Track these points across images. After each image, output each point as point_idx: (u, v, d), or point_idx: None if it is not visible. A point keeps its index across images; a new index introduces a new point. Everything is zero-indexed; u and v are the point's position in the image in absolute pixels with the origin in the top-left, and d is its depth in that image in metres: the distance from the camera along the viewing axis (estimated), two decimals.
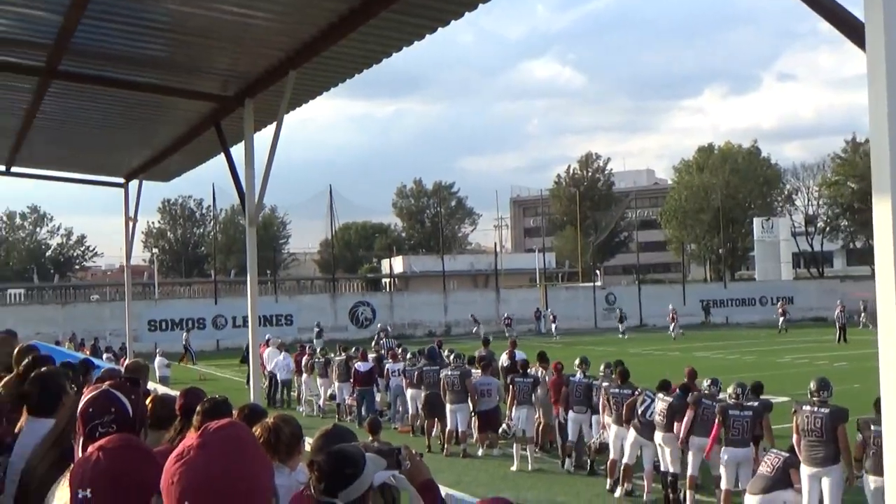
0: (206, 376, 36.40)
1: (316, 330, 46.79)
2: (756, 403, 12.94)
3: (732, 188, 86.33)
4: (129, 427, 3.29)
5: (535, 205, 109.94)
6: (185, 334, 47.84)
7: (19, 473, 4.51)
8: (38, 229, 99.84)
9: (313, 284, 75.82)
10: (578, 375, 16.45)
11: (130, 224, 15.03)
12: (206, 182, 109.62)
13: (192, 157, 13.19)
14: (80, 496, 2.48)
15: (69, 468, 3.35)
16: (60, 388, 5.16)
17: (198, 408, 5.46)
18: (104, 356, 33.71)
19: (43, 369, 6.02)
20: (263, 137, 9.63)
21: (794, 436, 11.36)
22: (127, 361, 24.68)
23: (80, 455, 3.23)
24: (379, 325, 48.31)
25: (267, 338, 30.37)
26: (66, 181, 16.10)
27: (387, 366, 22.54)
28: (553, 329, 55.78)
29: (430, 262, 77.31)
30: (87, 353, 36.16)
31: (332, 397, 24.28)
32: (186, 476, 1.83)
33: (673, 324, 51.83)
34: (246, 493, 1.85)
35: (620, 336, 52.34)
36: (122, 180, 15.20)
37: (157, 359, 30.80)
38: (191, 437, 1.90)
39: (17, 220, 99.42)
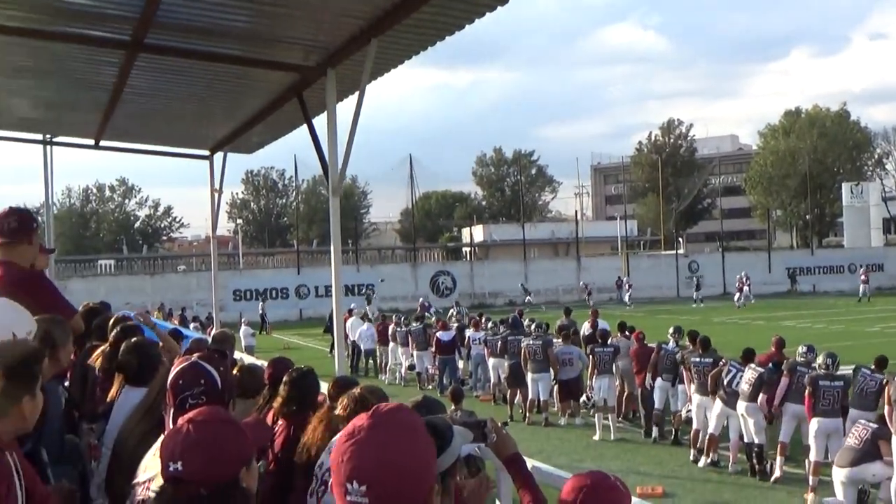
0: (290, 345, 36.97)
1: (367, 294, 47.07)
2: (880, 376, 12.59)
3: (820, 153, 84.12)
4: (219, 398, 3.33)
5: (616, 172, 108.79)
6: (261, 304, 48.44)
7: (114, 441, 4.61)
8: (126, 201, 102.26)
9: (394, 254, 76.16)
10: (671, 344, 16.33)
11: (216, 196, 15.23)
12: (288, 153, 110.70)
13: (275, 128, 13.28)
14: (171, 469, 2.51)
15: (159, 439, 3.41)
16: (156, 357, 5.27)
17: (284, 378, 5.53)
18: (191, 325, 34.34)
19: (136, 339, 6.13)
20: (345, 108, 9.64)
21: (887, 407, 11.08)
22: (214, 331, 25.24)
23: (171, 426, 3.27)
24: (421, 300, 48.26)
25: (351, 307, 30.62)
26: (152, 154, 16.39)
27: (468, 334, 22.57)
28: (626, 298, 54.95)
29: (510, 230, 77.00)
30: (176, 322, 37.02)
31: (412, 367, 24.45)
32: (357, 455, 1.89)
33: (739, 293, 50.72)
34: (413, 476, 1.91)
35: (695, 304, 51.53)
36: (206, 153, 15.40)
37: (243, 328, 31.30)
38: (361, 418, 1.96)
39: (107, 192, 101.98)
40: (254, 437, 2.78)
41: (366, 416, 1.94)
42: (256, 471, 2.73)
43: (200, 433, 2.53)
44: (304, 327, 46.60)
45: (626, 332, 18.43)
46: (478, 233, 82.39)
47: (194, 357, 3.46)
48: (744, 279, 52.11)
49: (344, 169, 8.68)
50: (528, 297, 53.99)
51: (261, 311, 46.57)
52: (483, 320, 23.85)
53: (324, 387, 6.17)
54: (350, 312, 28.90)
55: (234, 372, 6.03)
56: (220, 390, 3.40)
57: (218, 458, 2.51)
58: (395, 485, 1.87)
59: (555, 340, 19.05)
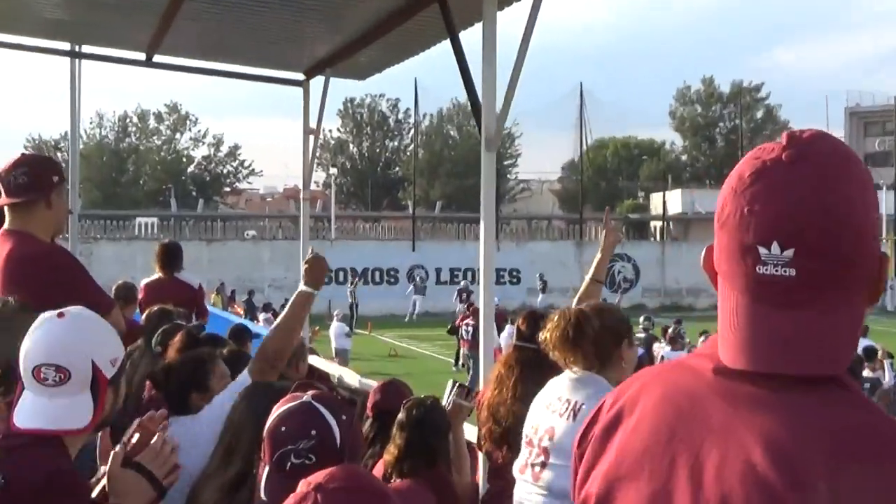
0: (398, 350, 37.16)
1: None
2: None
3: None
4: (334, 459, 3.26)
5: (882, 118, 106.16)
6: (350, 287, 48.68)
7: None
8: (177, 135, 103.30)
9: (550, 226, 75.97)
10: None
11: (311, 139, 15.18)
12: (405, 76, 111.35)
13: (401, 45, 13.14)
14: None
15: None
16: (195, 382, 5.27)
17: (400, 416, 5.44)
18: (261, 316, 34.79)
19: (189, 353, 6.15)
20: (504, 19, 9.42)
21: None
22: None
23: (263, 493, 3.24)
24: (462, 284, 47.70)
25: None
26: (225, 76, 16.52)
27: (661, 353, 22.37)
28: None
29: None
30: (240, 311, 37.69)
31: None
32: (777, 203, 1.73)
33: None
34: (863, 232, 1.75)
35: None
36: (300, 76, 15.43)
37: (334, 324, 31.40)
38: (768, 149, 1.79)
39: (152, 123, 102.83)
40: None
41: (778, 146, 1.77)
42: None
43: None
44: (417, 326, 46.95)
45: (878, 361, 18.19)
46: (675, 200, 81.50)
47: (307, 396, 3.38)
48: None
49: (505, 111, 8.45)
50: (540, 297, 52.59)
51: (350, 300, 47.07)
52: (680, 331, 23.58)
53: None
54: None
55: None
56: (338, 448, 3.32)
57: None
58: (842, 248, 1.71)
59: None
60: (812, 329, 1.69)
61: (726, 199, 1.79)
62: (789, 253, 1.69)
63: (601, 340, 4.72)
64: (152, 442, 3.33)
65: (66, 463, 3.38)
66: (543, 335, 4.91)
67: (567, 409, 4.63)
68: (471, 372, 25.75)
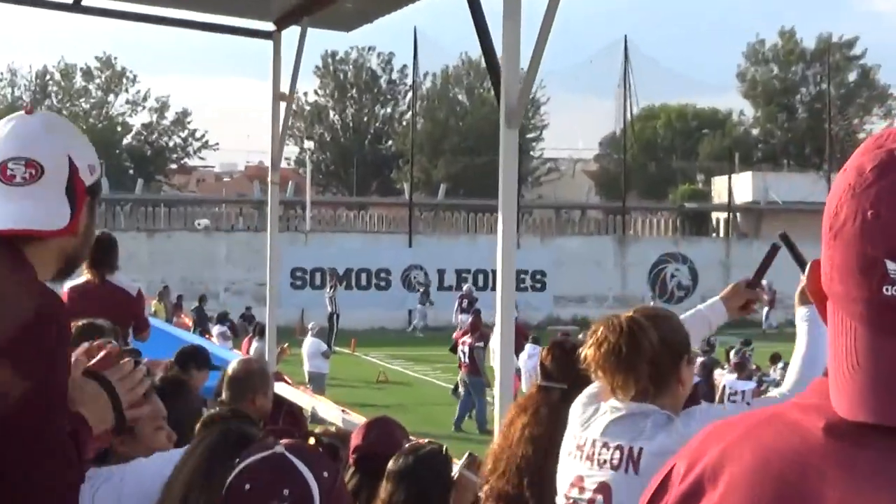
0: (388, 375, 37.13)
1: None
2: None
3: None
4: None
5: None
6: (328, 293, 48.33)
7: None
8: (111, 97, 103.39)
9: (585, 218, 75.99)
10: None
11: (282, 106, 15.12)
12: (400, 26, 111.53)
13: None
14: None
15: None
16: None
17: (389, 465, 5.41)
18: (215, 330, 34.86)
19: None
20: None
21: None
22: (254, 345, 25.50)
23: None
24: (465, 288, 47.58)
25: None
26: (173, 25, 16.50)
27: (723, 382, 22.39)
28: None
29: (802, 183, 75.88)
30: (189, 322, 37.77)
31: None
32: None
33: None
34: None
35: None
36: (270, 26, 15.42)
37: (308, 340, 31.39)
38: (883, 138, 1.72)
39: (78, 81, 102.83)
40: None
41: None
42: None
43: None
44: (413, 344, 47.04)
45: None
46: (743, 185, 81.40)
47: (279, 447, 3.38)
48: None
49: (532, 75, 8.39)
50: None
51: (329, 309, 46.71)
52: (747, 354, 23.61)
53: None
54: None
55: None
56: None
57: None
58: None
59: None
60: None
61: (841, 200, 1.68)
62: None
63: (659, 358, 4.54)
64: (122, 362, 3.40)
65: (32, 278, 3.34)
66: (585, 351, 4.71)
67: (622, 457, 4.47)
68: (476, 403, 25.66)
